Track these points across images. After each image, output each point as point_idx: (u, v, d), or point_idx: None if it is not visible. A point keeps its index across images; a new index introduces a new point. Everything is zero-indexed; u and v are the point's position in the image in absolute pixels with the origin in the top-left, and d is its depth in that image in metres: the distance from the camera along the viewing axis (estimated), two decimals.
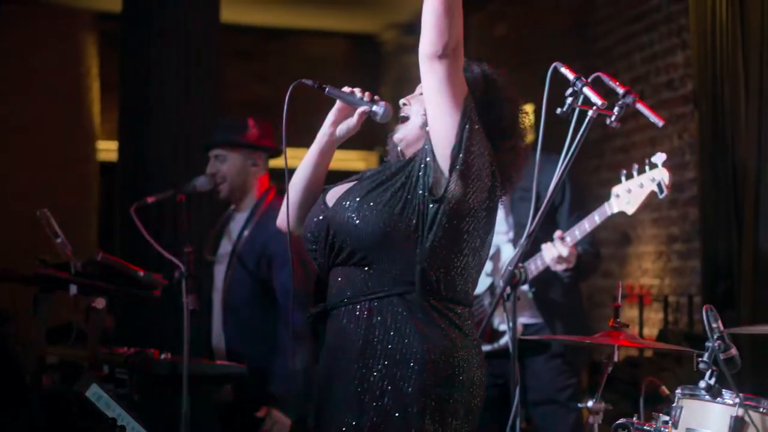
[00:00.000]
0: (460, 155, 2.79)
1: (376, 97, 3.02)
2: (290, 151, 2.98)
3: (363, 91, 3.04)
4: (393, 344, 2.78)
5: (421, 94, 2.94)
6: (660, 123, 3.51)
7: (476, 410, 2.89)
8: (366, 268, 2.83)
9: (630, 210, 4.35)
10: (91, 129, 9.68)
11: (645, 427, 3.37)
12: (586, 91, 3.43)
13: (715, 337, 3.11)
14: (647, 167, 4.28)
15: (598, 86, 3.44)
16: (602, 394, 3.59)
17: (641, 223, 7.10)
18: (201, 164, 4.85)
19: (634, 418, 3.40)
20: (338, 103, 3.06)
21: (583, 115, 3.36)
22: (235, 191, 4.71)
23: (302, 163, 3.09)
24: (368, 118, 3.06)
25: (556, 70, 3.45)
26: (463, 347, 2.83)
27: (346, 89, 3.04)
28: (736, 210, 5.51)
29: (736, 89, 5.50)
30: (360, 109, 3.02)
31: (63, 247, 4.06)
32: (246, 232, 4.65)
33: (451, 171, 2.79)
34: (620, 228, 7.19)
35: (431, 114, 2.82)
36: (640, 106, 3.51)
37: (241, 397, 4.53)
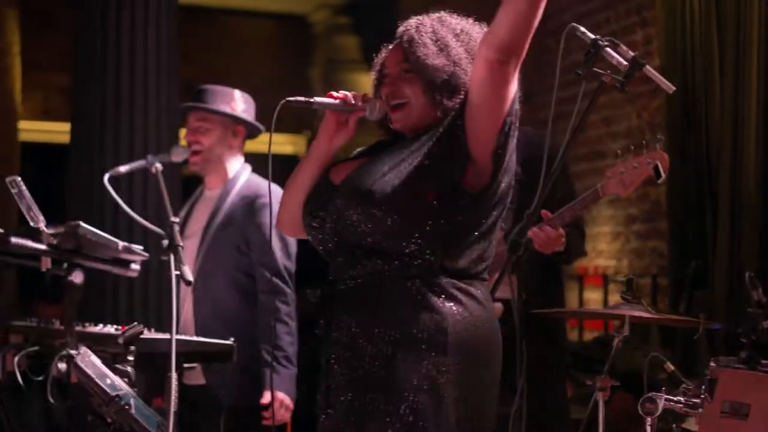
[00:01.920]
0: (501, 145, 2.70)
1: (366, 96, 2.85)
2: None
3: (353, 95, 2.85)
4: (411, 326, 2.64)
5: (406, 71, 2.79)
6: (671, 88, 3.41)
7: (497, 385, 2.77)
8: (379, 247, 2.68)
9: (624, 192, 4.23)
10: (13, 108, 9.31)
11: (675, 400, 3.28)
12: (609, 51, 3.31)
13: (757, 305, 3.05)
14: (644, 149, 4.17)
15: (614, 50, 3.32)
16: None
17: (596, 204, 7.01)
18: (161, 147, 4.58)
19: (662, 392, 3.30)
20: (328, 114, 2.87)
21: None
22: (210, 164, 4.48)
23: (299, 172, 2.92)
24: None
25: (573, 31, 3.32)
26: (484, 323, 2.73)
27: (335, 96, 2.84)
28: (711, 189, 5.46)
29: (710, 65, 5.44)
30: (356, 115, 2.85)
31: (35, 217, 3.77)
32: (222, 210, 4.43)
33: (492, 162, 2.71)
34: None
35: (480, 109, 2.69)
36: (650, 71, 3.42)
37: (210, 380, 4.32)
